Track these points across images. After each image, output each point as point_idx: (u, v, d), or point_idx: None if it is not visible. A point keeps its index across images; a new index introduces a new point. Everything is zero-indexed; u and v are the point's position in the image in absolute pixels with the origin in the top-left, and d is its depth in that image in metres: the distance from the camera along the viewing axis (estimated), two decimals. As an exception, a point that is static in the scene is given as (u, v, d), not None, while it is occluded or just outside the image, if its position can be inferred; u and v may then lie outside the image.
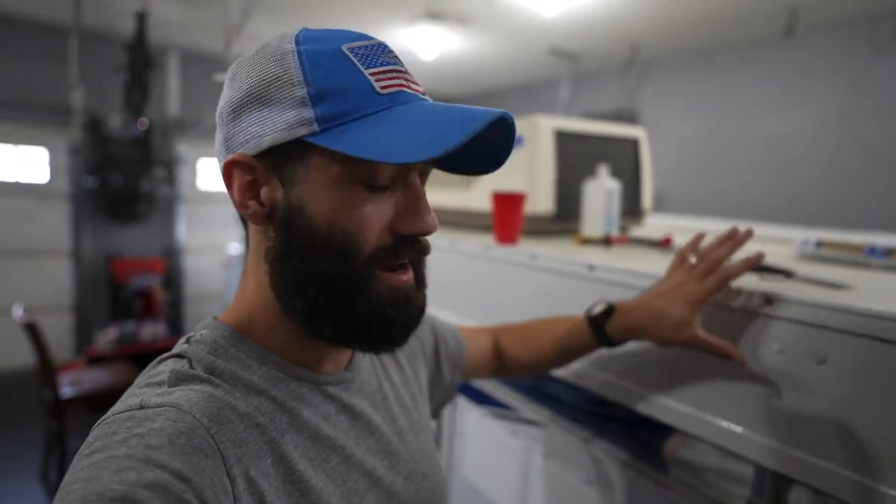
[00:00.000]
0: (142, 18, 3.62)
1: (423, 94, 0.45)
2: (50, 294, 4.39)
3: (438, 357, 0.71)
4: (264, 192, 0.43)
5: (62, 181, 4.38)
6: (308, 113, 0.40)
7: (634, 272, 0.83)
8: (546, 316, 0.83)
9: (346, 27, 0.48)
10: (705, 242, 0.72)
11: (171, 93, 4.79)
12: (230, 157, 0.43)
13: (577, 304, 0.94)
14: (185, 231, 5.00)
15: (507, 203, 1.16)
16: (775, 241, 1.46)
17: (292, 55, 0.41)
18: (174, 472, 0.33)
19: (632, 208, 1.49)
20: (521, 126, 1.38)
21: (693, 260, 0.70)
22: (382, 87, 0.41)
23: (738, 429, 0.67)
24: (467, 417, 1.29)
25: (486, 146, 0.46)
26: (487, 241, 1.21)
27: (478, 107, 0.41)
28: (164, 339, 3.82)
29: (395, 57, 0.44)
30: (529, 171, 1.34)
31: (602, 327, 0.72)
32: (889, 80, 3.04)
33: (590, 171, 1.32)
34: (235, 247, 4.13)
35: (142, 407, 0.38)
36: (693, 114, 4.04)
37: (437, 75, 5.17)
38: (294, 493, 0.42)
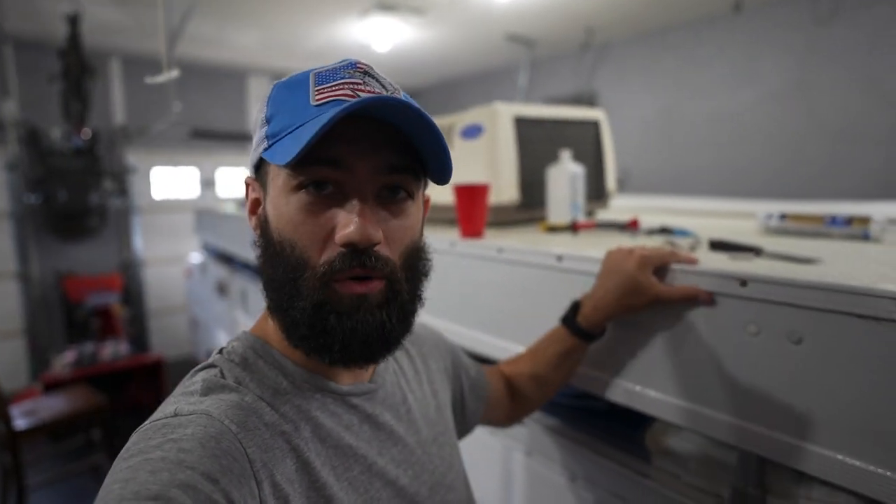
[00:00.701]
0: (74, 22, 3.40)
1: (376, 94, 0.44)
2: (-1, 319, 4.13)
3: (461, 383, 0.72)
4: (260, 207, 0.49)
5: (1, 200, 4.11)
6: (262, 132, 0.46)
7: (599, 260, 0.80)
8: (520, 309, 0.80)
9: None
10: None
11: (116, 100, 4.55)
12: (245, 179, 0.51)
13: (548, 295, 0.91)
14: (141, 243, 4.78)
15: (471, 195, 1.11)
16: (738, 216, 1.47)
17: (272, 88, 0.48)
18: (204, 474, 0.35)
19: (597, 191, 1.47)
20: (480, 115, 1.34)
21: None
22: (317, 100, 0.43)
23: (720, 415, 0.65)
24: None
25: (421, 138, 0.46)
26: (453, 235, 1.17)
27: (363, 98, 0.41)
28: (126, 358, 3.65)
29: (361, 72, 0.45)
30: (491, 161, 1.30)
31: (574, 322, 0.75)
32: (832, 52, 3.13)
33: (552, 157, 1.29)
34: (196, 256, 3.96)
35: (176, 414, 0.40)
36: (651, 93, 4.08)
37: (393, 67, 5.07)
38: (318, 500, 0.44)
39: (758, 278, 0.61)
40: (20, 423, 2.39)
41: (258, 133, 0.47)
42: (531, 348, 0.81)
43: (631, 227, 1.15)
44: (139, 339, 4.59)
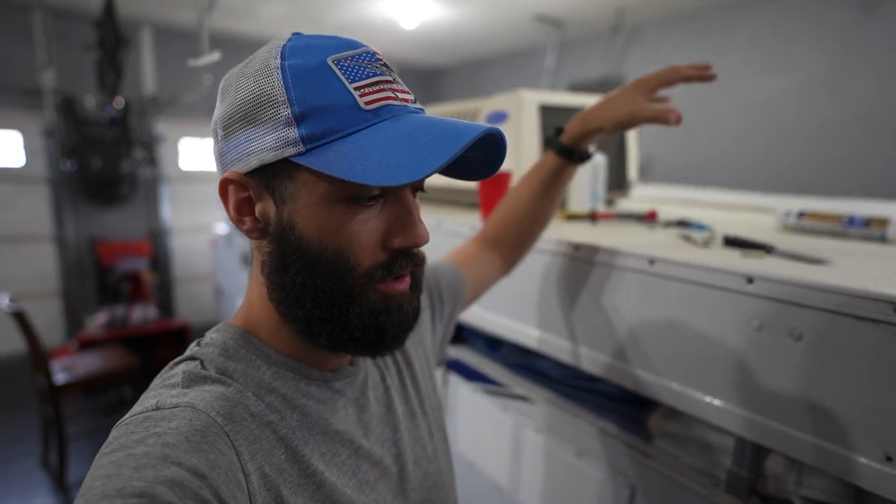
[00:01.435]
0: (110, -8, 3.47)
1: (412, 101, 0.44)
2: (36, 280, 4.33)
3: (444, 312, 0.72)
4: (258, 209, 0.44)
5: (39, 165, 4.27)
6: (293, 133, 0.40)
7: (618, 251, 0.84)
8: (536, 295, 0.84)
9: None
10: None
11: (146, 70, 4.63)
12: (224, 175, 0.44)
13: (564, 282, 0.95)
14: (169, 212, 4.92)
15: (494, 182, 1.15)
16: (759, 211, 1.47)
17: (277, 72, 0.41)
18: (190, 469, 0.34)
19: (618, 181, 1.49)
20: (506, 101, 1.36)
21: None
22: (367, 103, 0.41)
23: (720, 402, 0.70)
24: (459, 393, 1.31)
25: (480, 149, 0.46)
26: (474, 219, 1.21)
27: (465, 121, 0.41)
28: (155, 322, 3.81)
29: (383, 66, 0.44)
30: (515, 148, 1.32)
31: (557, 141, 0.79)
32: (878, 39, 3.01)
33: (575, 146, 1.31)
34: (222, 227, 4.08)
35: (158, 408, 0.39)
36: (680, 79, 4.00)
37: (420, 45, 5.04)
38: (309, 487, 0.44)
39: (763, 276, 0.64)
40: (60, 377, 2.55)
41: (278, 130, 0.40)
42: (512, 189, 0.84)
43: (649, 218, 1.17)
44: (165, 304, 4.77)
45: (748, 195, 1.66)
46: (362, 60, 0.42)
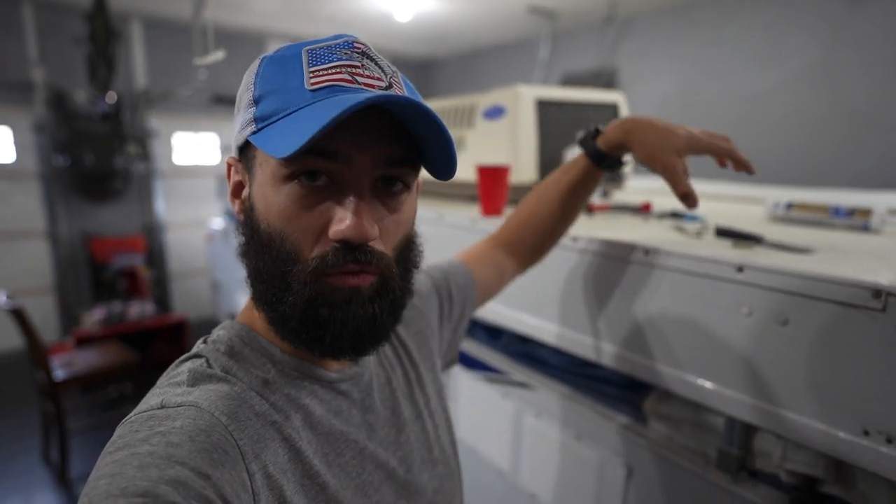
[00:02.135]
0: (100, -15, 3.44)
1: (382, 87, 0.42)
2: (29, 276, 4.31)
3: (452, 304, 0.72)
4: (244, 192, 0.46)
5: (30, 160, 4.23)
6: (250, 114, 0.43)
7: (614, 242, 0.88)
8: (536, 285, 0.87)
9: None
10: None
11: (137, 64, 4.60)
12: (227, 159, 0.48)
13: (562, 273, 0.98)
14: (164, 207, 4.91)
15: (492, 176, 1.18)
16: (749, 201, 1.52)
17: (259, 62, 0.45)
18: (194, 469, 0.34)
19: (613, 173, 1.52)
20: (503, 96, 1.39)
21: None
22: (312, 84, 0.40)
23: (711, 385, 0.74)
24: (460, 382, 1.35)
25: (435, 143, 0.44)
26: (474, 213, 1.24)
27: (377, 93, 0.40)
28: (152, 317, 3.82)
29: (359, 53, 0.42)
30: (512, 142, 1.35)
31: (592, 144, 0.76)
32: (869, 31, 3.05)
33: (571, 139, 1.34)
34: (218, 221, 4.08)
35: (163, 406, 0.39)
36: (672, 71, 4.03)
37: (414, 37, 5.04)
38: (312, 488, 0.44)
39: (752, 265, 0.68)
40: (59, 373, 2.56)
41: (244, 113, 0.43)
42: (536, 189, 0.82)
43: (644, 210, 1.21)
44: (162, 300, 4.77)
45: (739, 186, 1.70)
46: (337, 49, 0.42)
